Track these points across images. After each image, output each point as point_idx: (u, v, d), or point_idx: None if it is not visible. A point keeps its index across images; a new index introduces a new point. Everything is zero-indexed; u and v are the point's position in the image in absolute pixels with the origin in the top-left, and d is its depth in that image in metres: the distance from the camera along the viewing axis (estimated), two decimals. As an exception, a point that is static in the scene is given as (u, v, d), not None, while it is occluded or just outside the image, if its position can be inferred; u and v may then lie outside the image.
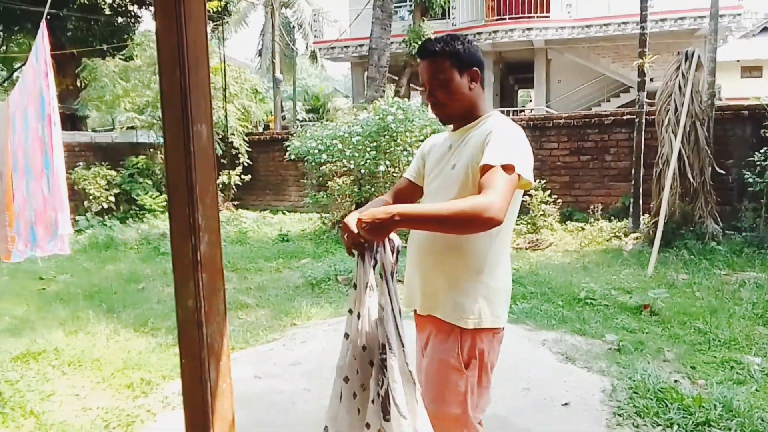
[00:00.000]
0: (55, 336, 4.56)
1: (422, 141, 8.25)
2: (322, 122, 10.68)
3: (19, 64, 17.55)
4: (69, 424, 3.16)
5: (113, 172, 10.76)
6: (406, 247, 1.88)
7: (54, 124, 3.73)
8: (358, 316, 1.67)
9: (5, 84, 13.59)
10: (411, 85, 18.41)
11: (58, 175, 3.82)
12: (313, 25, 23.18)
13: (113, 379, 3.76)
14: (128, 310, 5.29)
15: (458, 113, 1.86)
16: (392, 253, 1.67)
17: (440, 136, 2.03)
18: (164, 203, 10.67)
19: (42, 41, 3.72)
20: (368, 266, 1.67)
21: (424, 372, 1.82)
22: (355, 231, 1.63)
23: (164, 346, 4.40)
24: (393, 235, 1.69)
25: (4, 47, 18.14)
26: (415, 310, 1.95)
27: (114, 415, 3.27)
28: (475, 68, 1.82)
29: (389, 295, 1.62)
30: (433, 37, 1.89)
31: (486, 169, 1.62)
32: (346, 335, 1.70)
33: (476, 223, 1.54)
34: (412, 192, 2.07)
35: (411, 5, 16.44)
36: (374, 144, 8.23)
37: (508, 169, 1.61)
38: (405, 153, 8.13)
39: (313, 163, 8.91)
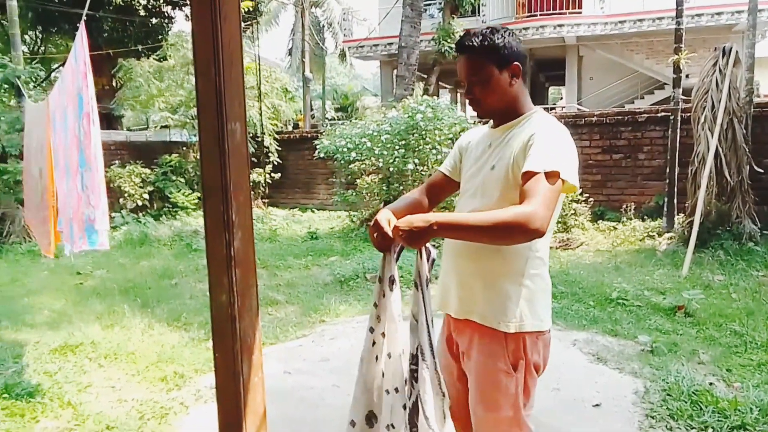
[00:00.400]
0: (92, 329, 4.69)
1: (451, 139, 8.34)
2: (351, 121, 10.73)
3: (56, 65, 18.06)
4: (105, 415, 3.25)
5: (147, 170, 11.00)
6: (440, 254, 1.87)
7: (93, 123, 3.83)
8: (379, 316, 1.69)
9: (44, 84, 13.98)
10: (440, 83, 18.36)
11: (97, 173, 3.93)
12: (343, 24, 23.30)
13: (147, 372, 3.84)
14: (162, 305, 5.40)
15: (498, 110, 1.78)
16: (427, 260, 1.67)
17: (479, 131, 1.95)
18: (196, 201, 10.87)
19: (81, 42, 3.82)
20: (393, 260, 1.69)
21: (473, 378, 1.77)
22: (387, 231, 1.63)
23: (196, 340, 4.48)
24: (429, 244, 1.67)
25: (42, 48, 18.69)
26: (448, 314, 1.89)
27: (148, 407, 3.35)
28: (516, 63, 1.73)
29: (423, 304, 1.63)
30: (472, 30, 1.80)
31: (529, 176, 1.56)
32: (371, 329, 1.71)
33: (518, 234, 1.51)
34: (446, 186, 2.00)
35: (441, 3, 16.38)
36: (403, 142, 8.23)
37: (552, 175, 1.55)
38: (434, 151, 8.12)
39: (342, 162, 8.96)
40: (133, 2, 16.62)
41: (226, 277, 1.76)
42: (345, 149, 8.69)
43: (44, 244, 4.33)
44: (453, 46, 15.14)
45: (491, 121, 1.86)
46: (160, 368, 3.90)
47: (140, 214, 10.33)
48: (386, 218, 1.68)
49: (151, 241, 8.63)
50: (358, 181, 9.20)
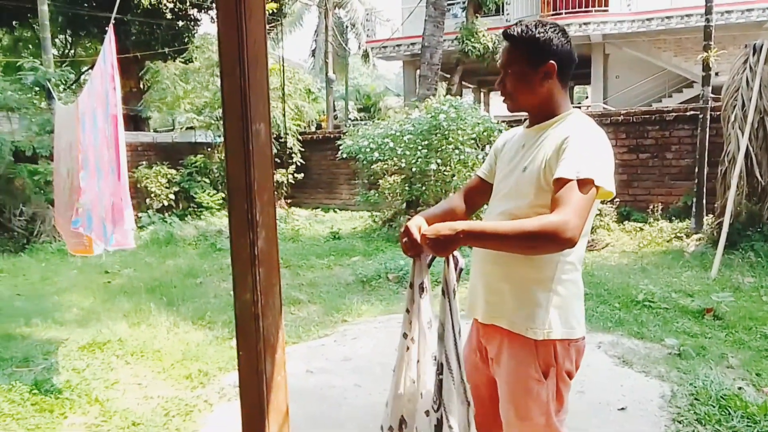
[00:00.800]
0: (119, 327, 4.77)
1: (474, 139, 8.30)
2: (373, 121, 10.74)
3: (86, 68, 18.44)
4: (131, 411, 3.30)
5: (173, 171, 11.16)
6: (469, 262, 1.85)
7: (118, 125, 3.91)
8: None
9: (73, 87, 14.28)
10: (463, 82, 18.27)
11: (123, 173, 4.00)
12: (366, 25, 23.35)
13: (173, 370, 3.90)
14: (187, 304, 5.47)
15: (528, 108, 1.74)
16: (455, 269, 1.65)
17: (515, 132, 1.90)
18: (221, 201, 10.99)
19: (109, 45, 3.90)
20: (424, 267, 1.68)
21: (503, 385, 1.74)
22: (416, 237, 1.62)
23: (220, 339, 4.54)
24: (457, 253, 1.66)
25: (72, 51, 19.11)
26: (476, 319, 1.86)
27: (173, 404, 3.40)
28: (551, 62, 1.65)
29: (450, 312, 1.62)
30: (525, 20, 1.74)
31: (562, 183, 1.51)
32: (404, 335, 1.70)
33: (547, 245, 1.47)
34: (484, 190, 1.93)
35: (464, 2, 16.30)
36: (426, 142, 8.22)
37: (586, 183, 1.50)
38: (456, 151, 8.08)
39: (365, 162, 8.97)
40: (160, 5, 16.90)
41: (249, 276, 1.77)
42: (368, 149, 8.70)
43: (72, 244, 4.42)
44: (476, 45, 15.10)
45: (527, 121, 1.81)
46: (185, 366, 3.96)
47: (166, 214, 10.48)
48: (416, 225, 1.66)
49: (176, 241, 8.75)
50: (380, 181, 9.20)
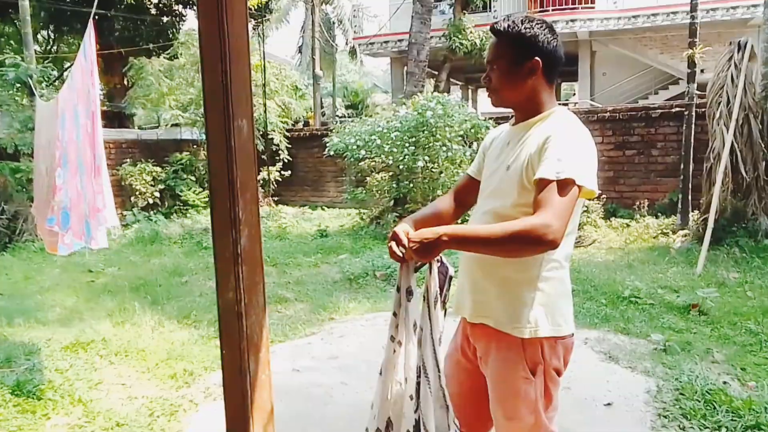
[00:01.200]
0: (102, 326, 4.72)
1: (462, 136, 8.30)
2: (361, 118, 10.71)
3: (68, 64, 18.21)
4: (115, 411, 3.26)
5: (158, 169, 11.06)
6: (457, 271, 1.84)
7: (97, 121, 3.85)
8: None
9: (56, 83, 14.10)
10: (451, 79, 18.27)
11: (103, 171, 3.94)
12: (353, 21, 23.28)
13: (157, 370, 3.86)
14: (172, 303, 5.42)
15: (512, 104, 1.73)
16: (444, 278, 1.66)
17: (502, 129, 1.89)
18: (206, 199, 10.91)
19: (89, 40, 3.84)
20: (410, 271, 1.67)
21: (491, 384, 1.73)
22: (404, 242, 1.62)
23: (206, 338, 4.49)
24: (446, 260, 1.67)
25: (54, 47, 18.85)
26: (463, 318, 1.85)
27: (158, 404, 3.36)
28: (536, 58, 1.63)
29: (429, 320, 1.62)
30: (513, 15, 1.72)
31: (543, 184, 1.50)
32: (391, 337, 1.69)
33: (529, 247, 1.48)
34: (474, 189, 1.89)
35: (452, -1, 16.30)
36: (413, 139, 8.20)
37: (567, 183, 1.49)
38: (444, 148, 8.07)
39: (352, 159, 8.94)
40: (144, 1, 16.72)
41: (232, 275, 1.77)
42: (354, 147, 8.67)
43: (48, 242, 4.34)
44: (463, 42, 15.10)
45: (513, 118, 1.80)
46: (169, 365, 3.91)
47: (151, 212, 10.39)
48: (403, 231, 1.66)
49: (162, 239, 8.67)
50: (367, 178, 9.18)
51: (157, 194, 10.82)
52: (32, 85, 8.32)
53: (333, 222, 10.32)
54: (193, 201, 10.99)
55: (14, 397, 3.36)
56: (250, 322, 1.80)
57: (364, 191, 9.20)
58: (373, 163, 8.96)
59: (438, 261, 1.66)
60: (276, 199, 12.59)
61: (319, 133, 12.64)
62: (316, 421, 3.13)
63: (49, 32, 18.62)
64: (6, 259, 7.68)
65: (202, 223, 9.80)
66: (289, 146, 12.62)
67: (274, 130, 12.13)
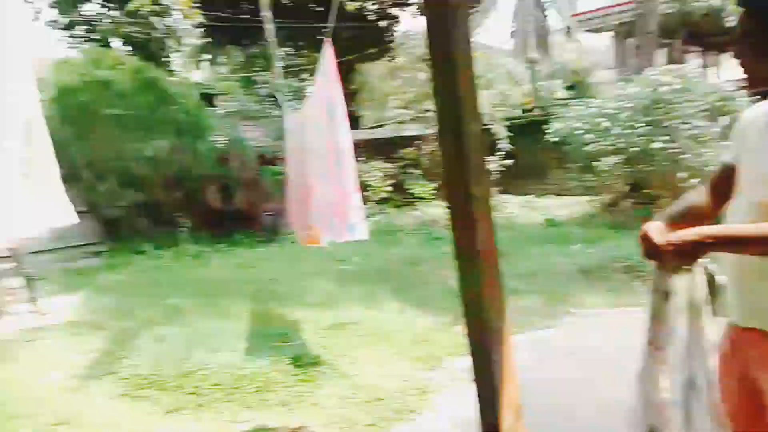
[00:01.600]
0: (354, 310, 5.26)
1: (708, 110, 7.40)
2: (582, 100, 10.18)
3: (306, 75, 20.46)
4: (375, 387, 3.64)
5: (388, 165, 11.90)
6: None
7: (344, 127, 4.29)
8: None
9: (299, 94, 16.01)
10: (686, 47, 16.28)
11: (350, 172, 4.36)
12: (569, -1, 22.03)
13: (406, 352, 4.20)
14: (411, 290, 5.82)
15: None
16: (710, 286, 1.52)
17: (760, 108, 1.60)
18: (433, 191, 11.41)
19: (328, 55, 4.31)
20: (668, 273, 1.53)
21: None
22: (656, 241, 1.48)
23: (446, 324, 4.72)
24: (713, 266, 1.52)
25: (294, 61, 21.31)
26: (734, 324, 1.63)
27: (409, 384, 3.66)
28: None
29: (695, 327, 1.50)
30: None
31: None
32: (649, 342, 1.57)
33: None
34: (733, 180, 1.64)
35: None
36: (647, 119, 7.56)
37: None
38: (685, 126, 7.29)
39: (578, 144, 8.57)
40: (363, 8, 17.97)
41: (472, 270, 1.87)
42: (581, 131, 8.29)
43: (302, 236, 4.88)
44: (699, 3, 13.33)
45: None
46: (416, 348, 4.23)
47: (385, 206, 11.23)
48: (655, 229, 1.52)
49: (396, 231, 9.33)
50: (596, 163, 8.69)
51: (389, 188, 11.64)
52: (279, 98, 9.59)
53: (561, 211, 10.02)
54: (421, 194, 11.59)
55: (293, 368, 3.96)
56: (492, 314, 1.88)
57: (594, 177, 8.74)
58: (601, 147, 8.45)
59: (702, 266, 1.51)
60: (500, 189, 12.61)
61: (540, 118, 12.32)
62: (566, 417, 3.11)
63: (289, 48, 21.10)
64: (273, 250, 8.99)
65: (430, 215, 10.30)
66: (510, 134, 12.53)
67: (492, 121, 12.16)
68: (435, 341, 4.35)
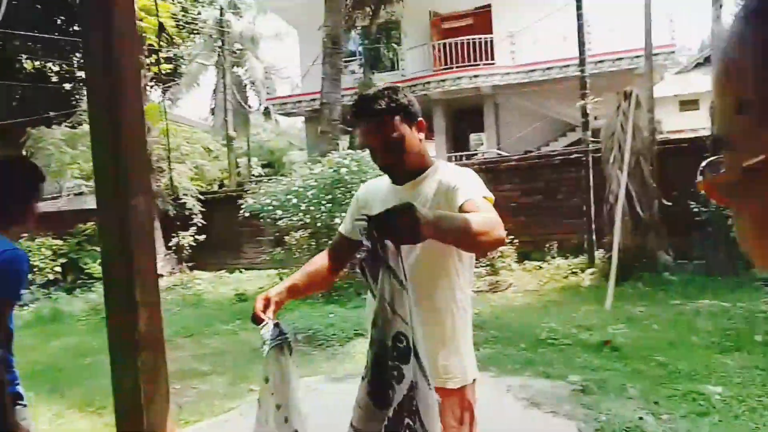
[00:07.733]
0: None
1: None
2: (276, 177, 10.62)
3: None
4: None
5: (59, 241, 10.38)
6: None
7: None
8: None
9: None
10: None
11: None
12: (265, 82, 23.41)
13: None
14: (74, 389, 4.97)
15: (412, 168, 1.74)
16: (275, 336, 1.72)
17: (378, 186, 1.88)
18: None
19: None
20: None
21: None
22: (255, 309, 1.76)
23: (111, 425, 4.11)
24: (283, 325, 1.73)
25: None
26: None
27: None
28: (420, 119, 1.74)
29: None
30: (367, 93, 1.75)
31: (470, 203, 1.55)
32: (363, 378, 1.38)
33: (501, 236, 1.50)
34: (349, 247, 1.89)
35: (361, 59, 16.81)
36: (329, 196, 8.20)
37: (488, 201, 1.61)
38: (360, 203, 8.10)
39: (269, 220, 8.80)
40: (44, 68, 16.07)
41: (130, 362, 1.65)
42: (270, 207, 8.55)
43: None
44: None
45: (386, 176, 1.81)
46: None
47: (51, 289, 9.65)
48: (261, 298, 1.78)
49: (63, 318, 8.04)
50: (286, 237, 9.03)
51: (58, 269, 10.10)
52: None
53: (252, 284, 10.00)
54: (99, 274, 10.32)
55: None
56: (152, 415, 1.65)
57: (283, 251, 9.03)
58: (291, 222, 8.84)
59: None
60: (190, 265, 12.08)
61: (235, 194, 12.39)
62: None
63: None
64: None
65: (109, 297, 9.20)
66: (204, 209, 12.26)
67: (186, 194, 11.77)
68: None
